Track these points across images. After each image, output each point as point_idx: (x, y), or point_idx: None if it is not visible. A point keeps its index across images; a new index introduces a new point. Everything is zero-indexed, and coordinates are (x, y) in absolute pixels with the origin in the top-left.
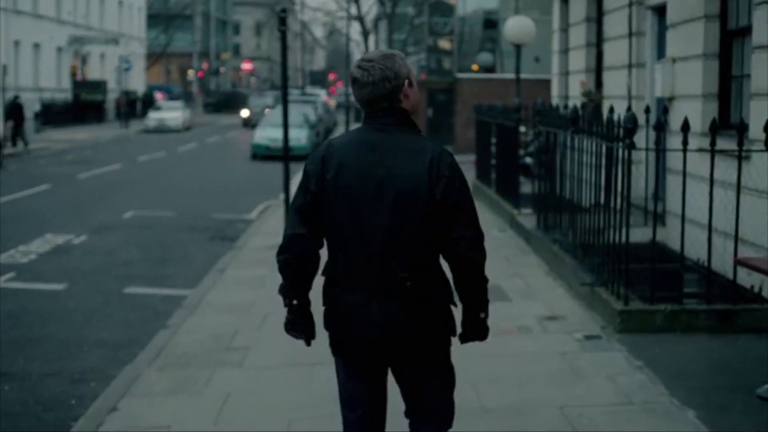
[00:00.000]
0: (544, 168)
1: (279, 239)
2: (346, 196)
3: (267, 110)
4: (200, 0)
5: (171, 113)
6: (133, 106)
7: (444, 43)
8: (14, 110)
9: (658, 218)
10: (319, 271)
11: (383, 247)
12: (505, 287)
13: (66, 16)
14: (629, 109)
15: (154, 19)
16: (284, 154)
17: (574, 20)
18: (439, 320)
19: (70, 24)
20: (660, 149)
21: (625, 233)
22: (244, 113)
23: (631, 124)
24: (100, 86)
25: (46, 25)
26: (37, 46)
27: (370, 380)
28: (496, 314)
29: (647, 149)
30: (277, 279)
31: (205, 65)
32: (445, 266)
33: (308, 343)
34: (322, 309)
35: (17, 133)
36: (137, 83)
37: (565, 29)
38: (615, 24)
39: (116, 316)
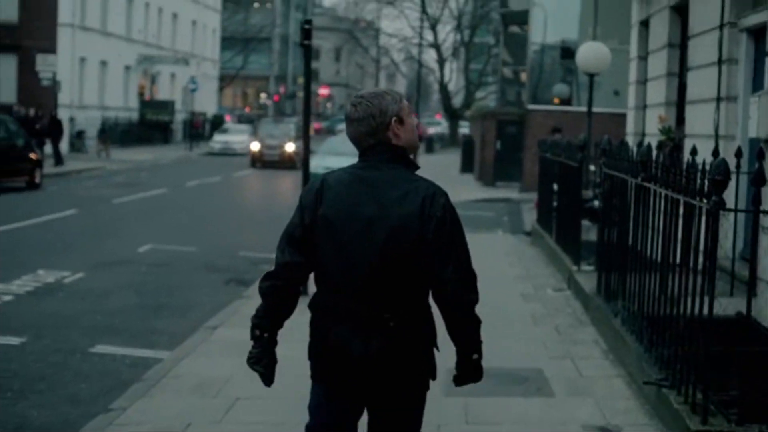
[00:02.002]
0: (607, 220)
1: None
2: (335, 232)
3: (289, 144)
4: (279, 23)
5: (237, 136)
6: (199, 127)
7: (518, 74)
8: (52, 126)
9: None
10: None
11: (369, 286)
12: (549, 374)
13: (136, 35)
14: (716, 152)
15: (230, 41)
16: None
17: (654, 46)
18: (419, 363)
19: (140, 43)
20: (758, 210)
21: (706, 307)
22: (254, 146)
23: (720, 176)
24: (167, 106)
25: (115, 43)
26: (104, 63)
27: (342, 412)
28: (532, 416)
29: (737, 210)
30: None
31: (281, 89)
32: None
33: (267, 384)
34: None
35: (56, 151)
36: (209, 104)
37: (643, 57)
38: (702, 50)
39: (63, 386)
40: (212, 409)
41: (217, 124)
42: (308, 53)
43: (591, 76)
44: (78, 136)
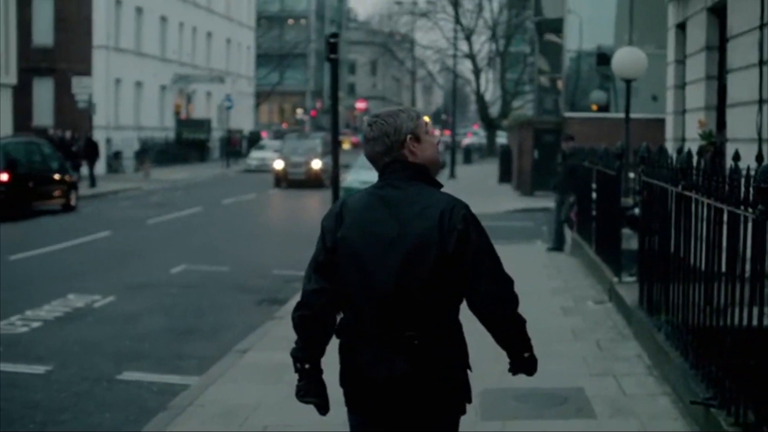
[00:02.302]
0: (647, 229)
1: None
2: (356, 254)
3: (316, 161)
4: (313, 38)
5: (273, 153)
6: (237, 144)
7: (555, 82)
8: (88, 149)
9: None
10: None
11: (392, 305)
12: (590, 393)
13: (171, 55)
14: (760, 156)
15: (265, 58)
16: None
17: (691, 49)
18: (450, 384)
19: (175, 62)
20: None
21: (755, 319)
22: (278, 165)
23: (766, 183)
24: (203, 125)
25: (150, 63)
26: (139, 84)
27: None
28: None
29: None
30: None
31: (318, 104)
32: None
33: (323, 413)
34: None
35: (92, 173)
36: (245, 121)
37: (681, 61)
38: (742, 51)
39: (87, 416)
40: None
41: (253, 140)
42: (335, 67)
43: (628, 81)
44: (115, 157)
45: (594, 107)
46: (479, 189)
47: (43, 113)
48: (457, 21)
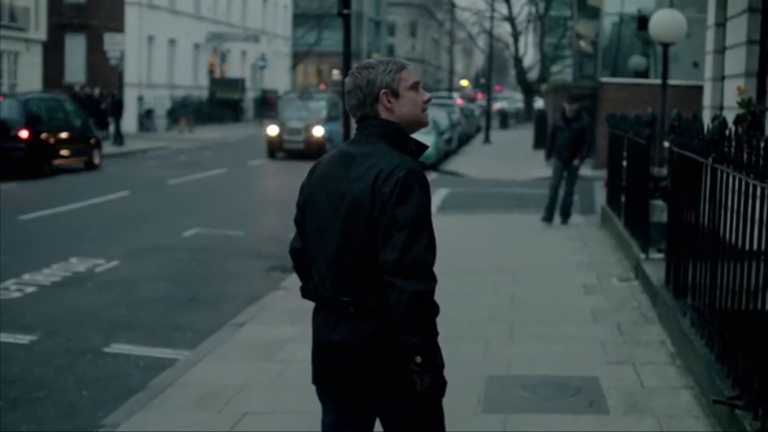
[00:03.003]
0: (675, 203)
1: None
2: (315, 212)
3: (318, 127)
4: None
5: None
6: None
7: (596, 46)
8: (114, 108)
9: None
10: None
11: (335, 268)
12: (605, 384)
13: (205, 13)
14: None
15: (303, 18)
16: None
17: (733, 11)
18: (395, 357)
19: (210, 20)
20: None
21: None
22: (272, 131)
23: None
24: (237, 84)
25: (184, 21)
26: (172, 42)
27: (343, 418)
28: None
29: None
30: (301, 341)
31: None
32: None
33: None
34: None
35: (118, 131)
36: (281, 82)
37: (722, 24)
38: None
39: (62, 394)
40: (215, 425)
41: None
42: (347, 23)
43: (665, 45)
44: (147, 115)
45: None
46: (512, 155)
47: (75, 70)
48: None
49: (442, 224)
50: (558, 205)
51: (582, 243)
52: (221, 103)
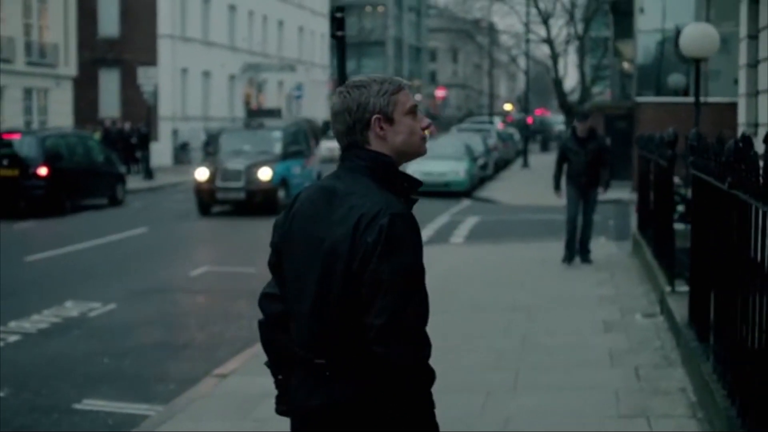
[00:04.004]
0: (696, 231)
1: None
2: (291, 257)
3: (264, 169)
4: (392, 26)
5: None
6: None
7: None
8: (141, 141)
9: None
10: None
11: (309, 326)
12: None
13: (240, 43)
14: None
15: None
16: None
17: (765, 22)
18: (381, 420)
19: (245, 51)
20: None
21: None
22: (201, 174)
23: None
24: (273, 114)
25: (218, 53)
26: (207, 74)
27: None
28: None
29: None
30: None
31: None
32: None
33: None
34: None
35: (146, 165)
36: (320, 111)
37: (754, 36)
38: None
39: None
40: None
41: (327, 130)
42: (342, 46)
43: (697, 61)
44: (182, 148)
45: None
46: (550, 179)
47: (109, 105)
48: (535, 4)
49: (465, 255)
50: (566, 239)
51: (609, 274)
52: None
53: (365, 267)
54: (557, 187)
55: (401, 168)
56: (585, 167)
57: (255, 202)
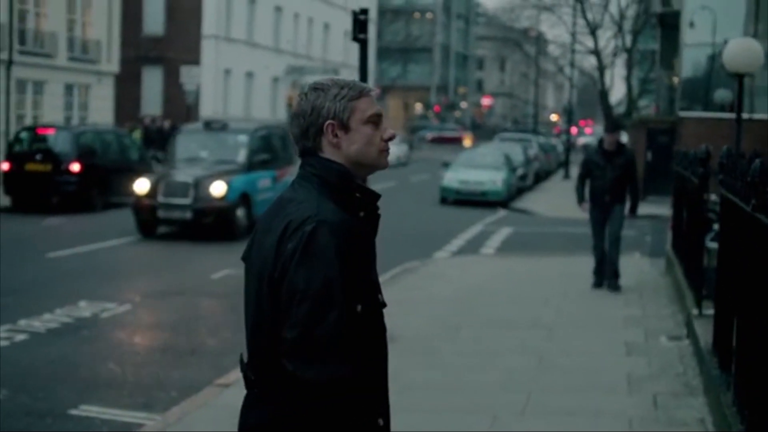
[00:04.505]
0: (722, 253)
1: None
2: (247, 271)
3: (218, 183)
4: (440, 32)
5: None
6: None
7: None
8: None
9: None
10: None
11: (248, 342)
12: None
13: (284, 46)
14: None
15: (387, 51)
16: None
17: None
18: None
19: (289, 54)
20: None
21: None
22: (140, 186)
23: None
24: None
25: (262, 54)
26: (250, 75)
27: None
28: None
29: None
30: None
31: (444, 99)
32: None
33: None
34: None
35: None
36: None
37: None
38: None
39: None
40: None
41: None
42: (364, 48)
43: (740, 76)
44: None
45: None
46: None
47: (152, 102)
48: (582, 15)
49: (493, 268)
50: (594, 264)
51: (638, 294)
52: None
53: (284, 276)
54: (581, 199)
55: (365, 181)
56: (611, 184)
57: (204, 224)
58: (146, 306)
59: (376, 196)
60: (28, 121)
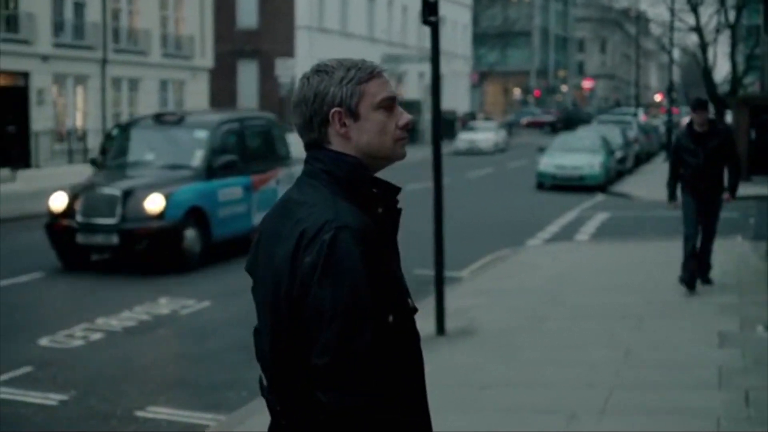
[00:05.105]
0: None
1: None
2: (256, 283)
3: (154, 197)
4: (538, 15)
5: (483, 134)
6: (450, 127)
7: None
8: None
9: None
10: None
11: (268, 365)
12: None
13: (379, 35)
14: None
15: (484, 37)
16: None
17: None
18: None
19: (384, 42)
20: None
21: None
22: (56, 202)
23: None
24: (413, 106)
25: (356, 44)
26: None
27: None
28: None
29: None
30: None
31: (543, 83)
32: None
33: None
34: None
35: None
36: (461, 103)
37: None
38: None
39: None
40: None
41: (470, 119)
42: (435, 31)
43: None
44: None
45: None
46: None
47: (248, 96)
48: None
49: (585, 254)
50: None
51: (736, 279)
52: None
53: (305, 294)
54: (672, 196)
55: (380, 174)
56: (704, 169)
57: (136, 251)
58: (225, 303)
59: (396, 190)
60: (124, 118)
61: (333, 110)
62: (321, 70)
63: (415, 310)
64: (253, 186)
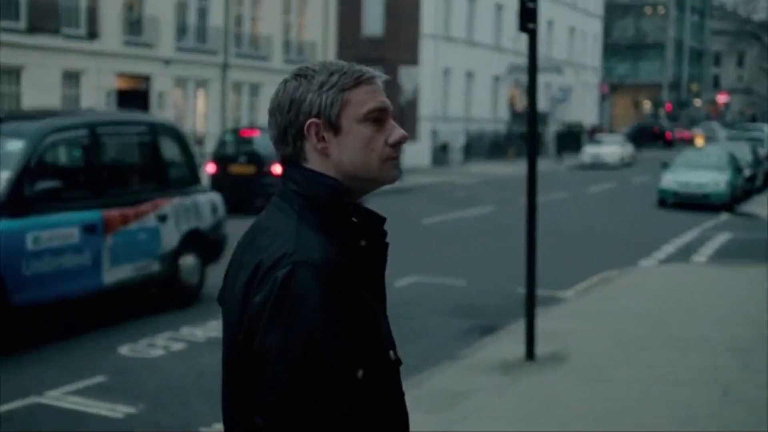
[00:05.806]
0: None
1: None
2: (222, 311)
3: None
4: (672, 27)
5: (608, 148)
6: (576, 139)
7: None
8: None
9: None
10: None
11: (222, 407)
12: None
13: (506, 44)
14: None
15: (615, 48)
16: None
17: None
18: None
19: (510, 52)
20: None
21: None
22: None
23: None
24: (538, 118)
25: (482, 53)
26: (470, 74)
27: None
28: None
29: None
30: None
31: (676, 97)
32: None
33: None
34: None
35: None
36: (589, 115)
37: None
38: None
39: None
40: None
41: (595, 133)
42: (533, 39)
43: None
44: (442, 150)
45: None
46: None
47: None
48: None
49: (699, 278)
50: None
51: None
52: (521, 137)
53: (251, 340)
54: None
55: (364, 200)
56: None
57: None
58: None
59: (381, 220)
60: (245, 123)
61: (309, 121)
62: (301, 74)
63: (399, 362)
64: (104, 226)
